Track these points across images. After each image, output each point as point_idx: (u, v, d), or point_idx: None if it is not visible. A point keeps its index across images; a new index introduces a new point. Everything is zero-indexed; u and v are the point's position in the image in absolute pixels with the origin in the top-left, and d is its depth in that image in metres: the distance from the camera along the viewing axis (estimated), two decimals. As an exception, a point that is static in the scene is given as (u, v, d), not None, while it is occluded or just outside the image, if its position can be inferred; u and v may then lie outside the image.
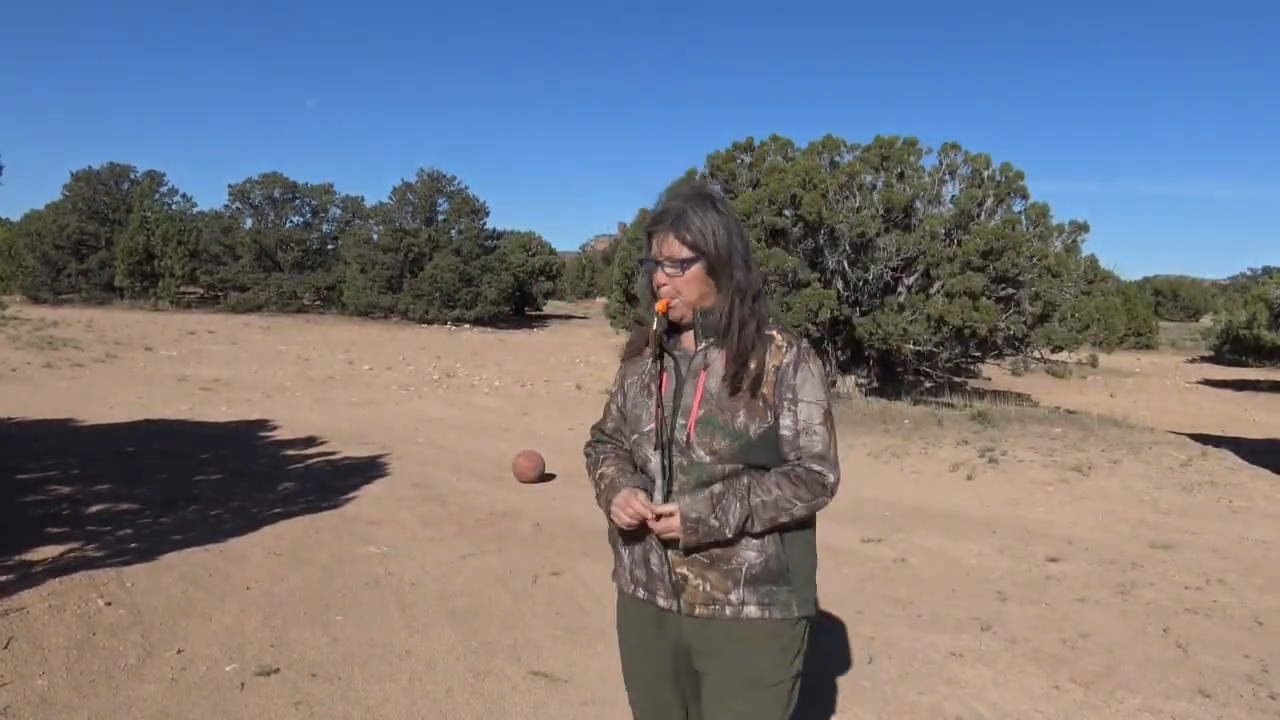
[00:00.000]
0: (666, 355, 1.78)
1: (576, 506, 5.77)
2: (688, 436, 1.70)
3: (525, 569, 4.26)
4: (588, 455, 1.93)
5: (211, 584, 3.82)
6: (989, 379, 16.00)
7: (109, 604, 3.49)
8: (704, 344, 1.75)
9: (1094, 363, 21.80)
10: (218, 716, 2.73)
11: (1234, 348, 23.85)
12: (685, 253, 1.71)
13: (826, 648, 3.42)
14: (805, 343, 1.75)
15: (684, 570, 1.72)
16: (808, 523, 1.76)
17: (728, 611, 1.70)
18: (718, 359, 1.72)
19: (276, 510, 5.12)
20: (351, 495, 5.63)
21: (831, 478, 1.69)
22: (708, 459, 1.69)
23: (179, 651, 3.14)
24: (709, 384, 1.71)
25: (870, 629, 3.64)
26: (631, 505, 1.69)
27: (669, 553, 1.72)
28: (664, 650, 1.80)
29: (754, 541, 1.70)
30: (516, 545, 4.69)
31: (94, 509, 4.96)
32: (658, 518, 1.67)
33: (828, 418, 1.72)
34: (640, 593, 1.80)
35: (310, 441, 7.64)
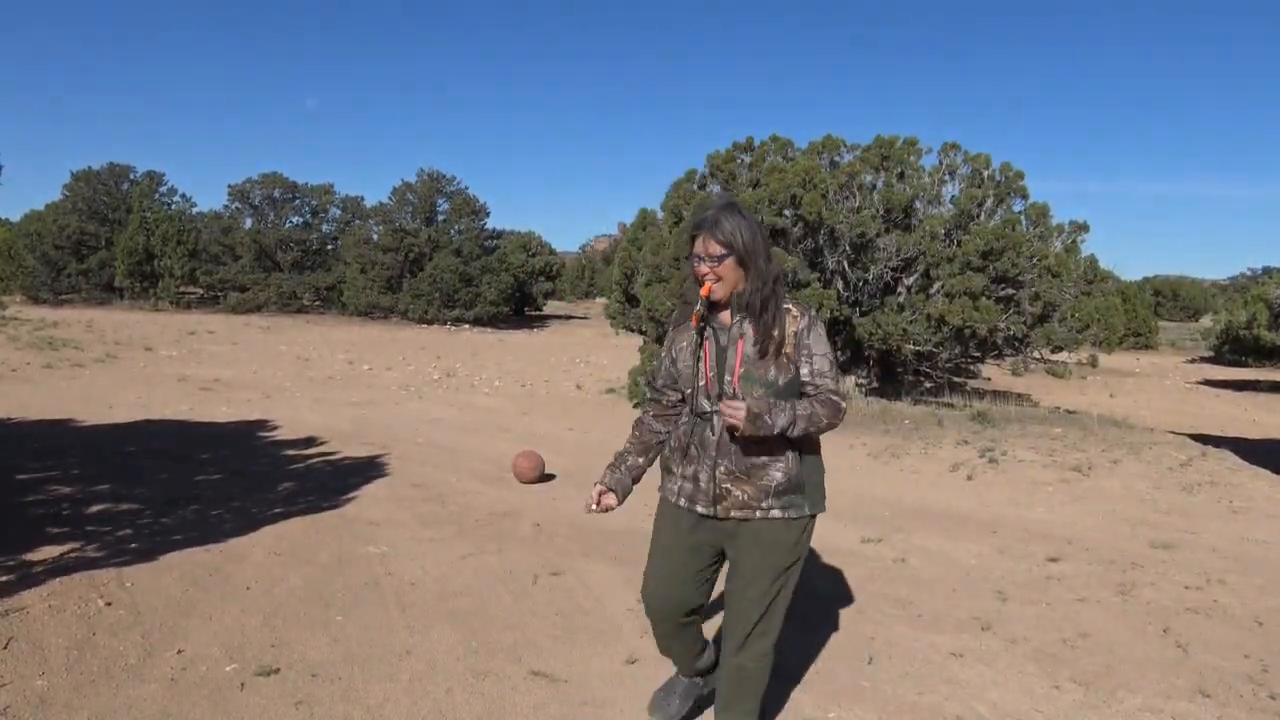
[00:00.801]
0: (709, 328, 2.37)
1: (577, 506, 5.77)
2: (734, 389, 2.31)
3: (525, 569, 4.26)
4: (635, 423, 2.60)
5: (211, 584, 3.82)
6: (989, 379, 16.01)
7: (109, 604, 3.49)
8: (738, 318, 2.34)
9: (1094, 363, 21.83)
10: (218, 716, 2.73)
11: (1234, 348, 23.85)
12: (719, 250, 2.28)
13: (827, 648, 3.42)
14: (813, 310, 2.38)
15: (727, 485, 2.34)
16: (817, 449, 2.42)
17: (758, 514, 2.35)
18: (750, 329, 2.32)
19: (276, 510, 5.12)
20: (351, 495, 5.63)
21: (844, 404, 2.34)
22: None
23: (179, 651, 3.14)
24: (745, 349, 2.32)
25: (870, 629, 3.64)
26: (595, 498, 2.49)
27: (716, 472, 2.35)
28: (690, 545, 2.44)
29: (779, 464, 2.32)
30: (516, 545, 4.69)
31: (94, 509, 4.96)
32: (731, 407, 2.20)
33: (833, 364, 2.36)
34: (683, 502, 2.43)
35: (310, 441, 7.64)
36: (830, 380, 2.32)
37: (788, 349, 2.31)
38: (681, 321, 2.45)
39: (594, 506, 2.48)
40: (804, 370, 2.32)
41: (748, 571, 2.38)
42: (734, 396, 2.28)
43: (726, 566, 2.49)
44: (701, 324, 2.36)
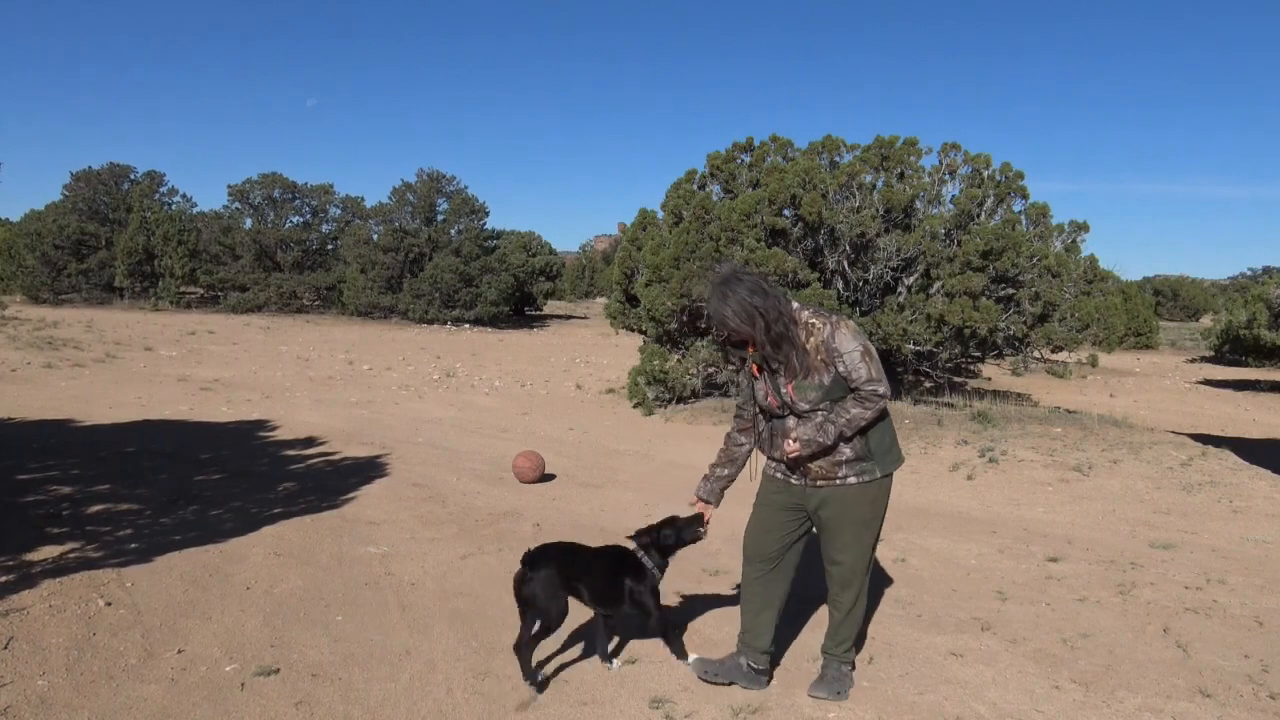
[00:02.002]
0: (760, 366, 2.95)
1: (577, 506, 5.77)
2: (791, 398, 2.87)
3: (525, 569, 4.26)
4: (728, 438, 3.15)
5: (211, 584, 3.82)
6: (989, 379, 16.00)
7: (109, 604, 3.49)
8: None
9: (1094, 363, 21.82)
10: (218, 716, 2.73)
11: (1234, 348, 23.81)
12: (733, 334, 2.84)
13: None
14: (835, 316, 2.85)
15: (806, 464, 2.90)
16: (883, 415, 2.89)
17: (837, 481, 2.88)
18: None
19: (276, 510, 5.12)
20: (351, 495, 5.63)
21: (881, 389, 2.79)
22: (805, 406, 2.85)
23: (179, 651, 3.14)
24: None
25: (870, 629, 3.64)
26: (704, 514, 3.15)
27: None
28: (780, 505, 2.99)
29: (848, 441, 2.85)
30: (516, 545, 4.68)
31: (94, 509, 4.96)
32: (788, 448, 2.87)
33: (865, 354, 2.80)
34: (779, 474, 3.00)
35: (310, 441, 7.64)
36: (863, 371, 2.78)
37: (821, 357, 2.80)
38: (742, 368, 3.08)
39: (706, 521, 3.16)
40: (840, 369, 2.79)
41: (834, 527, 2.92)
42: (793, 403, 2.86)
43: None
44: (757, 366, 2.95)
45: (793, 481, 2.95)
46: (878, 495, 2.92)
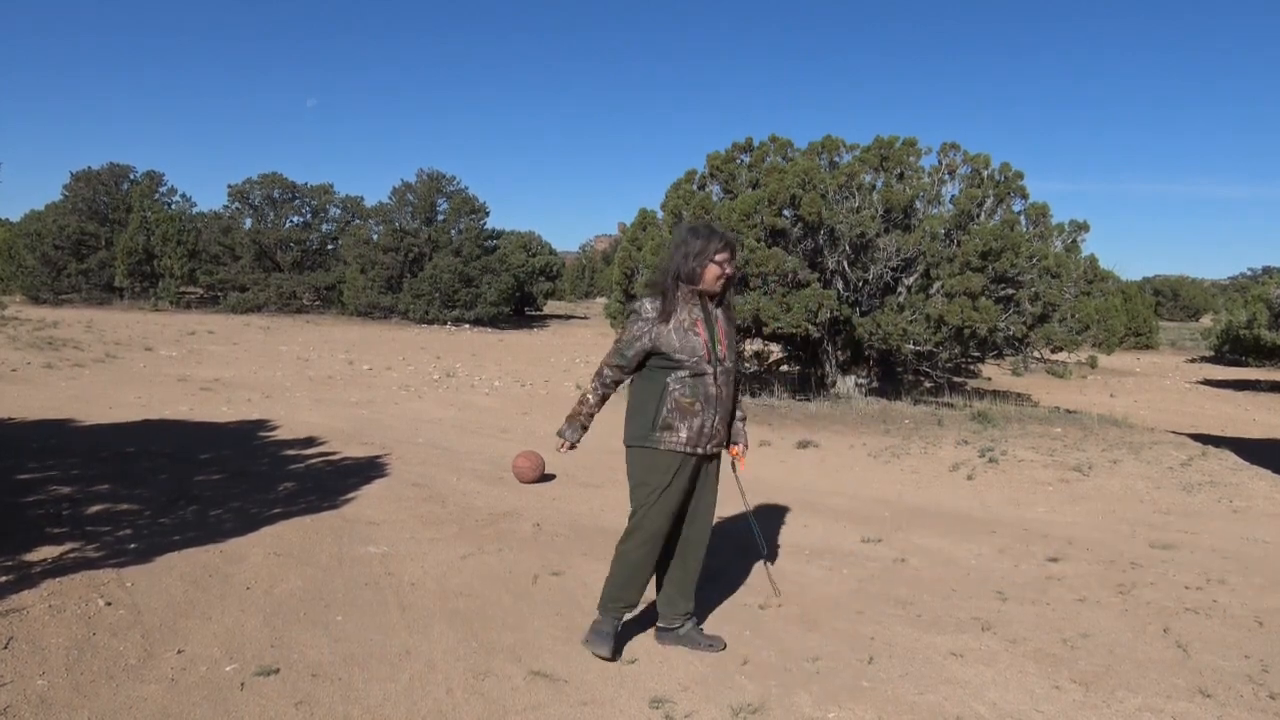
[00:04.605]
0: (704, 311, 3.19)
1: (577, 506, 5.77)
2: (724, 354, 3.18)
3: (525, 569, 4.26)
4: (603, 378, 3.24)
5: (211, 584, 3.82)
6: (989, 379, 16.00)
7: (109, 604, 3.48)
8: (717, 306, 3.24)
9: (1093, 363, 21.82)
10: (218, 716, 2.73)
11: (1234, 348, 23.81)
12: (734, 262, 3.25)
13: (827, 648, 3.42)
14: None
15: (719, 427, 3.20)
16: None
17: (719, 448, 3.27)
18: (723, 314, 3.25)
19: (276, 510, 5.12)
20: (351, 495, 5.63)
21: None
22: (730, 365, 3.20)
23: (179, 651, 3.14)
24: (725, 327, 3.23)
25: (870, 629, 3.64)
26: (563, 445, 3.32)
27: (717, 419, 3.17)
28: (689, 482, 3.20)
29: (738, 410, 3.38)
30: (516, 545, 4.68)
31: (94, 509, 4.95)
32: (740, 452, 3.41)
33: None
34: (688, 449, 3.13)
35: (310, 441, 7.63)
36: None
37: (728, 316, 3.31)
38: (669, 315, 3.14)
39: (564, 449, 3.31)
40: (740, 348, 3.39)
41: (710, 491, 3.28)
42: (723, 358, 3.15)
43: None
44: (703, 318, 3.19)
45: (700, 451, 3.16)
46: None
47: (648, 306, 3.16)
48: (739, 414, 3.42)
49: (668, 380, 3.11)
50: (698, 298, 3.17)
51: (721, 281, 3.17)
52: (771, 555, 4.64)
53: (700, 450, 3.16)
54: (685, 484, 3.19)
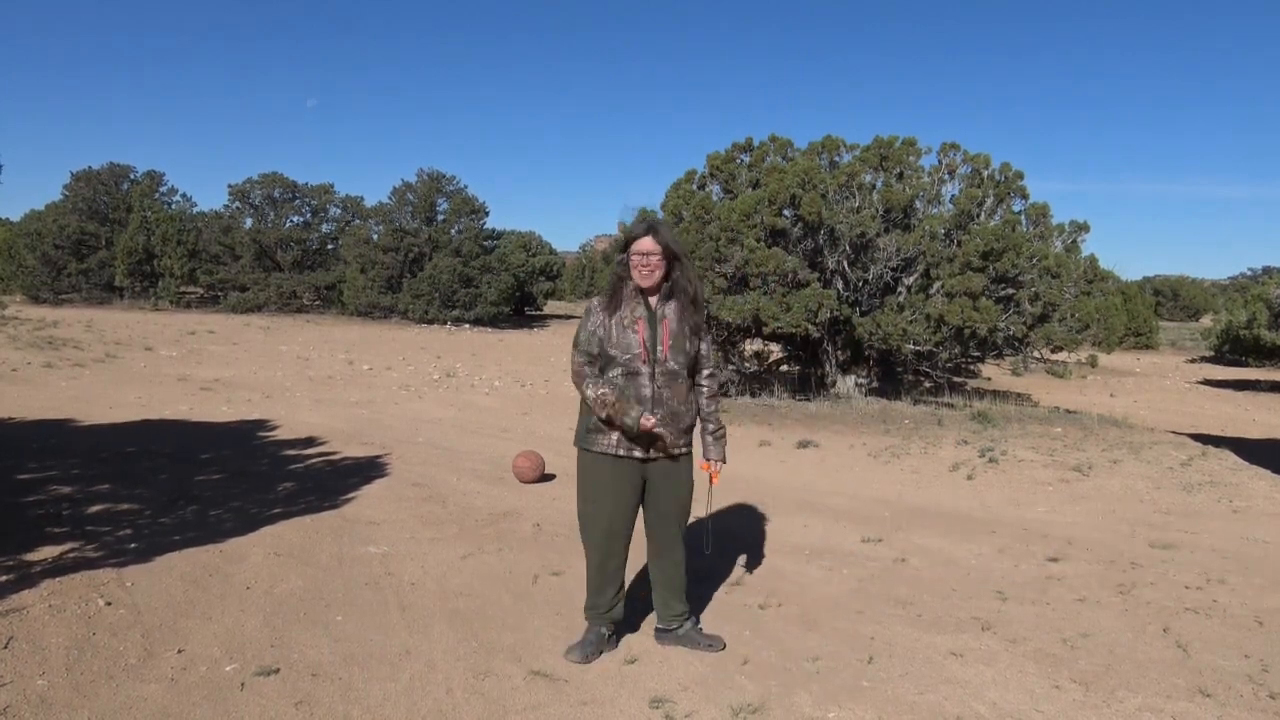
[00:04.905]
0: (646, 308, 3.12)
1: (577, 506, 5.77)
2: (665, 355, 3.08)
3: (525, 569, 4.26)
4: (583, 374, 3.12)
5: (211, 584, 3.82)
6: (989, 379, 16.00)
7: (109, 604, 3.49)
8: (663, 302, 3.15)
9: (1093, 363, 21.82)
10: (218, 716, 2.73)
11: (1234, 348, 23.80)
12: (657, 248, 3.09)
13: (827, 648, 3.42)
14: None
15: (663, 431, 3.07)
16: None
17: (677, 451, 3.15)
18: (673, 311, 3.13)
19: (276, 510, 5.12)
20: (351, 495, 5.63)
21: (721, 377, 3.12)
22: (675, 366, 3.09)
23: (179, 651, 3.14)
24: (672, 325, 3.11)
25: (870, 629, 3.64)
26: (649, 420, 3.02)
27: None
28: (629, 485, 3.14)
29: (690, 412, 3.19)
30: (516, 545, 4.68)
31: (94, 509, 4.96)
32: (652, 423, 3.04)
33: (712, 342, 3.26)
34: (621, 451, 3.09)
35: (310, 441, 7.63)
36: (713, 356, 3.29)
37: (691, 326, 3.15)
38: (616, 306, 3.11)
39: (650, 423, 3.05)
40: (702, 348, 3.20)
41: (670, 495, 3.18)
42: (665, 360, 3.06)
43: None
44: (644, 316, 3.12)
45: (637, 455, 3.09)
46: (692, 468, 3.27)
47: (596, 301, 3.18)
48: (711, 426, 3.27)
49: (601, 380, 3.07)
50: (641, 295, 3.12)
51: (647, 271, 3.05)
52: (762, 557, 4.64)
53: (637, 454, 3.07)
54: (626, 487, 3.11)
